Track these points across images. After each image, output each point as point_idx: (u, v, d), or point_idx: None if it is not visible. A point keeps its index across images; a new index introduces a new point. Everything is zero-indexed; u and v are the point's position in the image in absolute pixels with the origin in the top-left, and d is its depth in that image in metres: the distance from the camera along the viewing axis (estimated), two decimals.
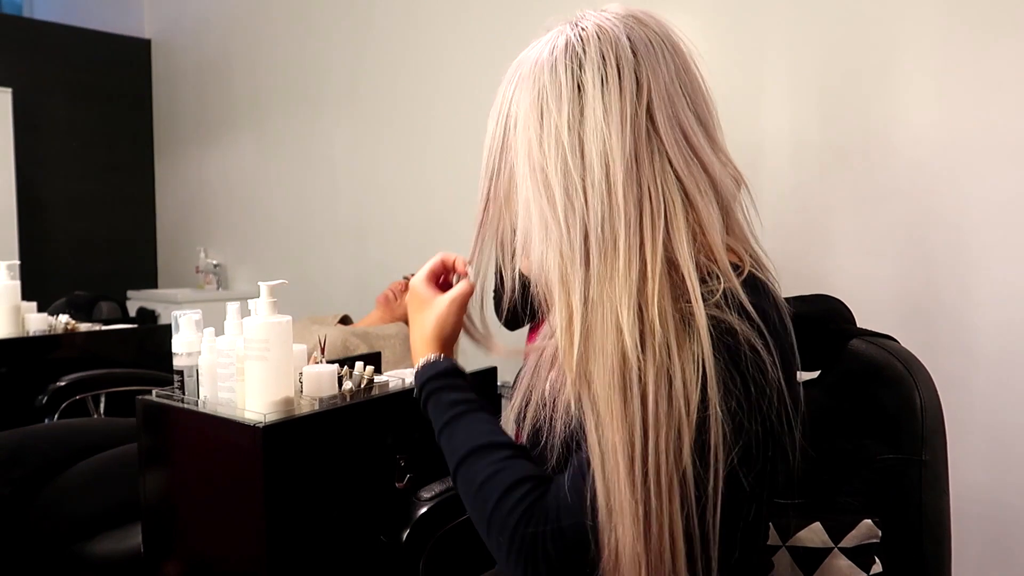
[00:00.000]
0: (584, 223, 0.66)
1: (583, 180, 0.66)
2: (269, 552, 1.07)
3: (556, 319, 0.68)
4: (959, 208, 1.75)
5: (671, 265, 0.65)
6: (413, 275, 2.44)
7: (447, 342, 0.84)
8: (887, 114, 1.86)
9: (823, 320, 0.95)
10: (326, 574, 1.16)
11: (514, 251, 0.75)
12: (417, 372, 0.83)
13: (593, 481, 0.64)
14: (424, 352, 0.84)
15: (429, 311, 0.85)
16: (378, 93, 3.16)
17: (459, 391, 0.79)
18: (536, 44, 0.74)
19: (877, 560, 0.83)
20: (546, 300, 0.71)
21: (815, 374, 0.97)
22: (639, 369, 0.63)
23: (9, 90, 3.66)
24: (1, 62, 3.86)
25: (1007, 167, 1.69)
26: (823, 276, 1.94)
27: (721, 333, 0.63)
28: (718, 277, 0.66)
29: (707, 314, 0.63)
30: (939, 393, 0.89)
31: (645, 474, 0.61)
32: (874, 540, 0.83)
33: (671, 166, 0.67)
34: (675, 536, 0.62)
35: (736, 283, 0.66)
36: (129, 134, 4.39)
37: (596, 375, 0.64)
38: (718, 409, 0.61)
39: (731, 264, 0.68)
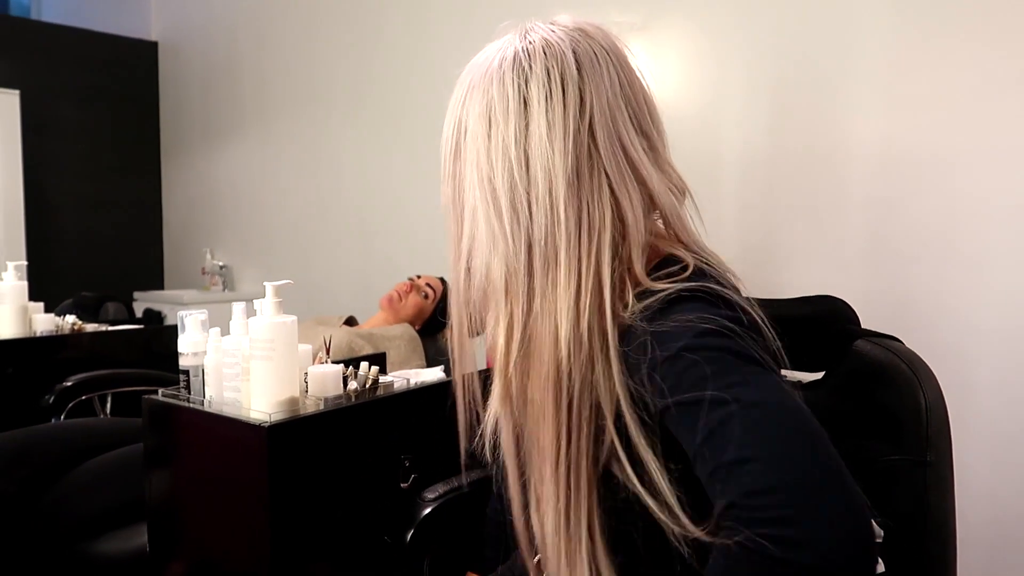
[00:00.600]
0: (528, 236, 0.68)
1: (528, 193, 0.68)
2: (273, 552, 1.07)
3: (498, 324, 0.70)
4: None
5: (602, 281, 0.67)
6: (419, 276, 2.44)
7: None
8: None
9: (826, 320, 0.95)
10: (330, 574, 1.16)
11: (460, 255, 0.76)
12: None
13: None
14: None
15: None
16: (384, 95, 3.16)
17: None
18: (486, 51, 0.75)
19: (880, 560, 0.83)
20: (483, 305, 0.73)
21: (819, 375, 0.97)
22: (568, 378, 0.66)
23: (17, 92, 3.68)
24: (9, 64, 3.89)
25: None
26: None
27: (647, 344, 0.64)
28: (651, 292, 0.67)
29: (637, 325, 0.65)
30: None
31: (568, 471, 0.66)
32: (878, 540, 0.83)
33: (608, 183, 0.69)
34: (592, 531, 0.65)
35: (671, 288, 0.66)
36: (136, 136, 4.41)
37: (534, 380, 0.67)
38: (632, 417, 0.64)
39: (680, 265, 0.69)
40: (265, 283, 1.11)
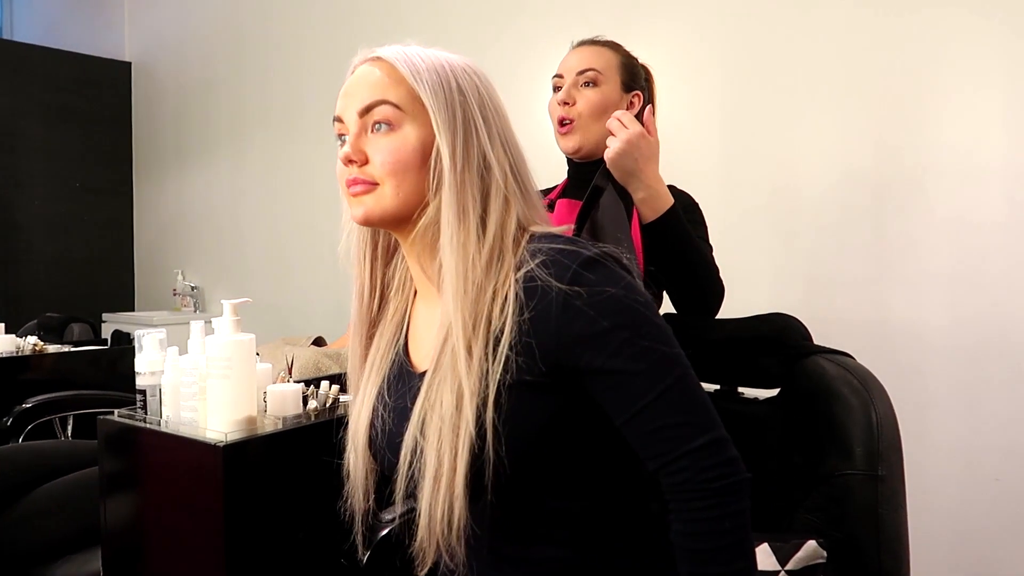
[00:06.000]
0: None
1: None
2: (228, 574, 1.05)
3: None
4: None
5: None
6: None
7: None
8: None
9: (779, 338, 0.95)
10: None
11: None
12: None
13: None
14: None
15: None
16: None
17: None
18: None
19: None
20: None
21: (774, 392, 0.98)
22: None
23: None
24: None
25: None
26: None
27: None
28: None
29: None
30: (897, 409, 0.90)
31: None
32: (820, 561, 0.83)
33: None
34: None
35: None
36: (108, 156, 4.37)
37: None
38: None
39: None
40: (223, 301, 1.10)
